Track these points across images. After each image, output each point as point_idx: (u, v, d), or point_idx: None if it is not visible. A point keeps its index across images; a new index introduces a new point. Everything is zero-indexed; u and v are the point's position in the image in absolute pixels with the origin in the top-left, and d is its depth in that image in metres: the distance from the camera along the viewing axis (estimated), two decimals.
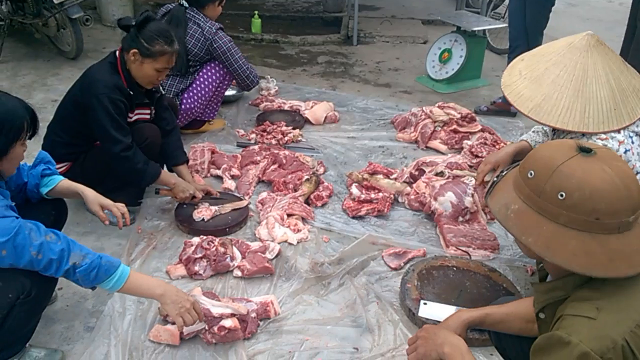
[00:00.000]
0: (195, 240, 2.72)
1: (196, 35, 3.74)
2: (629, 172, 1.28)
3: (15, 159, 1.90)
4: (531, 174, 1.33)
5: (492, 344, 2.01)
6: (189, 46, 3.73)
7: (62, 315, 2.38)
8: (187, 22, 3.75)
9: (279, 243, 2.84)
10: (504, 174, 1.49)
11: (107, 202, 2.32)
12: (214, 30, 3.76)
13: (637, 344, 1.22)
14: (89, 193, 2.31)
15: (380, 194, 3.22)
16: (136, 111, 2.93)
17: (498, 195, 1.44)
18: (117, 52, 2.81)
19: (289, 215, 3.04)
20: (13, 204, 1.93)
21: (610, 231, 1.25)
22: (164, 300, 2.04)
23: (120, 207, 2.35)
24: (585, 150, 1.29)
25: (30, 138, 1.94)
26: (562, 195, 1.26)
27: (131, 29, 2.74)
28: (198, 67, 3.86)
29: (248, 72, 3.93)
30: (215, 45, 3.76)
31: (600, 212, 1.24)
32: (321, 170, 3.61)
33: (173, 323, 2.22)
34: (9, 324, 1.88)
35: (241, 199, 3.20)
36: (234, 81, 4.06)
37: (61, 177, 2.29)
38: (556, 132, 2.51)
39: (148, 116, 3.01)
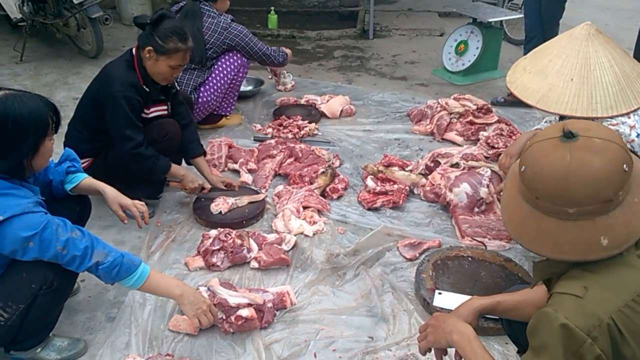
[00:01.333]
0: (213, 232, 2.78)
1: (212, 27, 3.82)
2: (596, 168, 1.24)
3: (46, 153, 1.96)
4: (528, 143, 1.40)
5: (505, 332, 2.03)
6: (207, 37, 3.80)
7: (84, 306, 2.45)
8: (201, 15, 3.82)
9: (295, 235, 2.88)
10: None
11: (127, 201, 2.34)
12: (229, 21, 3.87)
13: (625, 323, 1.23)
14: (110, 192, 2.34)
15: (396, 186, 3.24)
16: (153, 108, 2.98)
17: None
18: (134, 50, 2.87)
19: (304, 208, 3.07)
20: (43, 199, 1.99)
21: (548, 213, 1.31)
22: (181, 301, 2.10)
23: (139, 207, 2.37)
24: (567, 136, 1.29)
25: (55, 132, 1.99)
26: (522, 168, 1.36)
27: (146, 27, 2.79)
28: (214, 60, 3.92)
29: (272, 51, 4.05)
30: (232, 35, 3.85)
31: (538, 193, 1.31)
32: (337, 163, 3.64)
33: None
34: (33, 314, 1.95)
35: (258, 193, 3.24)
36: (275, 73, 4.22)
37: (85, 175, 2.33)
38: None
39: (165, 112, 3.07)
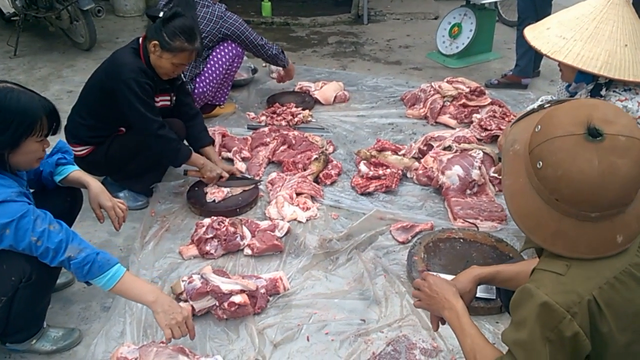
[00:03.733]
0: (207, 221, 2.79)
1: (207, 16, 3.80)
2: (623, 173, 1.20)
3: (29, 154, 1.93)
4: (538, 127, 1.32)
5: (501, 305, 2.15)
6: (202, 27, 3.78)
7: (79, 296, 2.47)
8: (196, 4, 3.79)
9: (288, 221, 2.90)
10: (545, 107, 1.44)
11: (106, 203, 2.30)
12: (223, 10, 3.85)
13: (605, 300, 1.25)
14: (94, 189, 2.30)
15: (389, 170, 3.25)
16: (158, 97, 2.98)
17: (519, 127, 1.44)
18: (140, 40, 2.86)
19: (298, 194, 3.09)
20: (31, 191, 2.00)
21: (567, 215, 1.27)
22: (155, 308, 1.98)
23: (117, 211, 2.32)
24: (593, 135, 1.20)
25: (52, 134, 1.96)
26: (539, 164, 1.28)
27: (157, 21, 2.77)
28: (210, 50, 3.92)
29: (266, 43, 4.00)
30: (227, 24, 3.84)
31: (561, 196, 1.25)
32: (330, 149, 3.64)
33: (186, 301, 2.31)
34: (17, 307, 1.97)
35: (253, 180, 3.25)
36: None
37: (74, 167, 2.32)
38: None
39: (169, 102, 3.07)
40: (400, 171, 3.28)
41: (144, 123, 2.81)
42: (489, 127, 3.69)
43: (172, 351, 2.06)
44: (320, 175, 3.31)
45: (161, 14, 2.78)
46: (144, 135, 2.85)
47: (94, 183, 2.31)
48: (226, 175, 3.13)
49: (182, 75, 3.07)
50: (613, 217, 1.25)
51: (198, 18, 3.77)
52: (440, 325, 1.79)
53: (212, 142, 3.27)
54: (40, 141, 1.94)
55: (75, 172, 2.31)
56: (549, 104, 1.44)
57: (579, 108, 1.28)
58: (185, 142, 3.16)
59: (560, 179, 1.23)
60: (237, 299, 2.30)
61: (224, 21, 3.83)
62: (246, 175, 3.32)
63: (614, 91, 2.31)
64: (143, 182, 3.15)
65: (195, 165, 3.06)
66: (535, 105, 1.48)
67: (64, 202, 2.37)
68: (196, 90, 3.87)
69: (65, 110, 3.06)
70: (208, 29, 3.81)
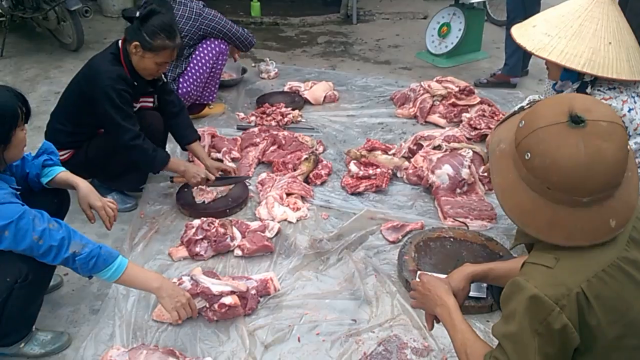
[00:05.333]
0: (196, 222, 2.78)
1: (185, 14, 3.76)
2: (609, 156, 1.23)
3: (19, 144, 1.95)
4: (522, 123, 1.34)
5: (492, 304, 2.21)
6: (181, 25, 3.72)
7: (68, 299, 2.45)
8: (171, 3, 3.75)
9: (278, 222, 2.89)
10: (524, 108, 1.48)
11: (96, 202, 2.29)
12: (201, 6, 3.83)
13: (593, 292, 1.26)
14: (83, 189, 2.29)
15: (379, 170, 3.25)
16: (140, 99, 2.97)
17: (503, 128, 1.47)
18: (120, 43, 2.83)
19: (288, 195, 3.08)
20: (19, 190, 1.98)
21: (559, 202, 1.28)
22: (160, 294, 2.11)
23: (108, 210, 2.31)
24: (576, 121, 1.24)
25: (26, 122, 1.97)
26: (527, 156, 1.30)
27: (134, 21, 2.73)
28: (192, 49, 3.89)
29: (245, 34, 4.02)
30: (207, 21, 3.81)
31: (551, 184, 1.27)
32: (320, 149, 3.64)
33: None
34: (10, 308, 1.95)
35: (242, 177, 3.23)
36: (237, 54, 4.22)
37: (61, 169, 2.31)
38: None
39: (151, 104, 3.05)
40: (390, 171, 3.28)
41: (116, 133, 2.77)
42: (478, 126, 3.70)
43: (162, 353, 2.05)
44: (311, 175, 3.30)
45: (137, 14, 2.75)
46: (118, 145, 2.81)
47: (82, 183, 2.30)
48: (212, 177, 3.06)
49: (164, 75, 3.04)
50: (603, 201, 1.27)
51: (176, 17, 3.72)
52: (435, 325, 1.79)
53: (199, 138, 3.21)
54: (22, 129, 1.96)
55: (62, 173, 2.29)
56: (529, 105, 1.48)
57: (559, 100, 1.33)
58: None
59: (549, 167, 1.26)
60: (228, 300, 2.29)
61: (204, 18, 3.80)
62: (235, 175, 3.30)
63: (598, 90, 2.33)
64: (129, 182, 3.13)
65: (176, 171, 3.01)
66: (522, 105, 1.50)
67: (51, 204, 2.34)
68: (180, 91, 3.84)
69: (52, 110, 3.04)
70: (187, 27, 3.77)
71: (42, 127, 3.22)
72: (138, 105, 2.97)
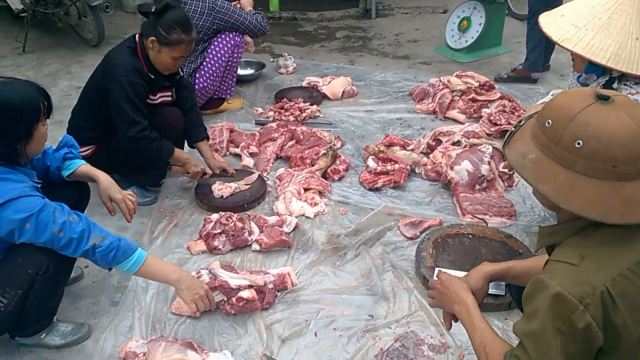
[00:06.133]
0: (215, 216, 2.79)
1: (199, 9, 3.77)
2: None
3: (40, 138, 1.98)
4: (549, 122, 1.31)
5: (510, 301, 2.18)
6: (194, 21, 3.73)
7: (88, 291, 2.48)
8: None
9: (296, 217, 2.89)
10: (521, 124, 1.47)
11: (117, 195, 2.31)
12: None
13: (618, 291, 1.23)
14: (103, 182, 2.31)
15: (397, 166, 3.23)
16: (159, 94, 2.99)
17: (516, 145, 1.43)
18: (137, 37, 2.85)
19: (306, 190, 3.08)
20: (39, 184, 2.01)
21: (626, 178, 1.25)
22: (178, 286, 2.13)
23: (128, 203, 2.33)
24: (603, 98, 1.26)
25: (47, 117, 2.00)
26: (579, 144, 1.25)
27: (150, 16, 2.77)
28: (207, 44, 3.90)
29: (255, 21, 4.00)
30: (220, 15, 3.81)
31: (617, 160, 1.23)
32: (338, 144, 3.63)
33: None
34: (32, 300, 1.99)
35: (255, 173, 3.25)
36: (249, 45, 4.21)
37: (82, 162, 2.34)
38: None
39: (170, 98, 3.07)
40: (408, 166, 3.27)
41: (125, 124, 2.78)
42: (498, 122, 3.66)
43: (180, 346, 2.07)
44: (328, 170, 3.30)
45: (152, 9, 2.77)
46: (123, 137, 2.81)
47: (102, 176, 2.33)
48: (209, 172, 3.09)
49: (181, 70, 3.06)
50: None
51: (190, 12, 3.74)
52: (453, 324, 1.78)
53: (207, 138, 3.23)
54: (44, 124, 1.98)
55: (83, 166, 2.32)
56: (523, 122, 1.46)
57: (573, 92, 1.36)
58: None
59: (609, 144, 1.23)
60: (245, 294, 2.30)
61: (217, 12, 3.80)
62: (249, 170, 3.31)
63: (625, 84, 2.29)
64: (149, 177, 3.15)
65: (179, 160, 3.01)
66: (513, 128, 1.47)
67: (71, 197, 2.37)
68: (197, 86, 3.85)
69: (73, 106, 3.07)
70: (201, 22, 3.78)
71: (63, 121, 3.27)
72: (158, 100, 2.99)
